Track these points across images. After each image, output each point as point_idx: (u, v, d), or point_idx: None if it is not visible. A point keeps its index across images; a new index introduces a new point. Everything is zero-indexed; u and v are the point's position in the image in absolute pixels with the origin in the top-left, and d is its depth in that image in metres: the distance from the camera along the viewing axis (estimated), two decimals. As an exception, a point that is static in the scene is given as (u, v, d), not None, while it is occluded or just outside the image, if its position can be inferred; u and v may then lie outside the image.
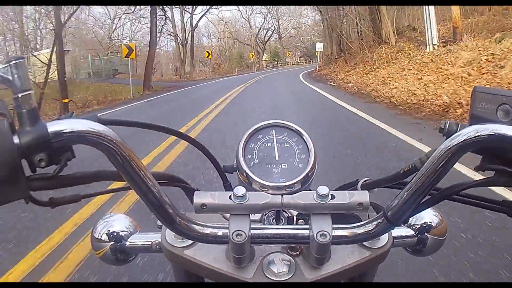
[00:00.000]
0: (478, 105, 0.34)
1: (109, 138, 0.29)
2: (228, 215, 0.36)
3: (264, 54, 71.35)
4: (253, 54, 38.72)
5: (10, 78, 0.28)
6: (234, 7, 39.87)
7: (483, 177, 0.33)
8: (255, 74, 22.50)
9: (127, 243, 0.48)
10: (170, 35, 30.18)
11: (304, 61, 65.04)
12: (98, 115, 0.33)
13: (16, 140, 0.26)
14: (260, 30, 48.85)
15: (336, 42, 16.66)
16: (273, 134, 0.41)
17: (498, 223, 1.74)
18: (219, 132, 4.33)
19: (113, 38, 28.51)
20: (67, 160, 0.29)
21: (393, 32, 10.55)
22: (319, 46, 19.01)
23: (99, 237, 0.49)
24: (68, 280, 1.46)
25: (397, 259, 1.48)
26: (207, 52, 24.22)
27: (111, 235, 0.49)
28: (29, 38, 16.46)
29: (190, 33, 26.01)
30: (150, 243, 0.48)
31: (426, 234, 0.48)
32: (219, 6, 36.85)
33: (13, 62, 0.28)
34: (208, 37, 56.81)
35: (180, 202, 0.48)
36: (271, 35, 52.37)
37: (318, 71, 16.88)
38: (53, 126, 0.28)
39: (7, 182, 0.26)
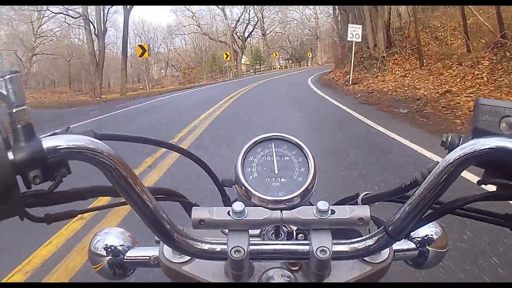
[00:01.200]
0: (481, 118, 0.38)
1: (105, 154, 0.33)
2: (226, 230, 0.40)
3: (244, 57, 70.21)
4: (227, 53, 35.78)
5: (5, 93, 0.31)
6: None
7: (486, 191, 0.37)
8: (224, 87, 17.25)
9: (125, 257, 0.54)
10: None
11: (292, 64, 64.74)
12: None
13: (10, 156, 0.29)
14: (239, 23, 47.11)
15: (383, 27, 12.08)
16: (272, 147, 0.47)
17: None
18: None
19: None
20: (63, 176, 0.33)
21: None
22: (355, 31, 11.81)
23: (97, 251, 0.55)
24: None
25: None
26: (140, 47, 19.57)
27: (109, 249, 0.55)
28: None
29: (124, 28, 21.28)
30: (148, 258, 0.54)
31: (427, 247, 0.54)
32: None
33: (8, 76, 0.31)
34: (182, 38, 54.22)
35: (178, 216, 0.58)
36: (252, 30, 50.48)
37: (356, 84, 11.00)
38: (48, 142, 0.31)
39: (1, 199, 0.29)
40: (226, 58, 34.06)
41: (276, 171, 0.46)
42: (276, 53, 49.83)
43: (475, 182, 0.37)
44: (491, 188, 0.37)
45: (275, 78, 21.02)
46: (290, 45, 71.79)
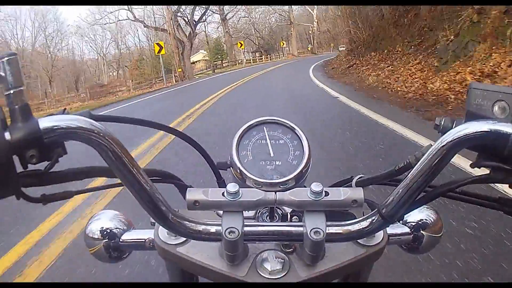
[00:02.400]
0: (474, 102, 0.45)
1: (101, 134, 0.38)
2: (221, 212, 0.46)
3: (202, 51, 68.17)
4: (161, 44, 28.89)
5: (3, 74, 0.36)
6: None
7: (479, 174, 0.43)
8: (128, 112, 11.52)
9: (121, 240, 0.63)
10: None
11: (261, 56, 63.56)
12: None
13: (7, 136, 0.35)
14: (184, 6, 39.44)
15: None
16: (264, 131, 0.55)
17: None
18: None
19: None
20: (59, 156, 0.39)
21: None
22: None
23: (92, 234, 0.63)
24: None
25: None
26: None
27: (104, 232, 0.63)
28: None
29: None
30: (144, 240, 0.62)
31: (421, 231, 0.63)
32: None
33: (6, 58, 0.36)
34: (135, 34, 53.35)
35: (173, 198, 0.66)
36: (205, 11, 45.45)
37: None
38: (45, 122, 0.36)
39: None
40: (159, 51, 28.22)
41: (272, 154, 0.54)
42: (242, 42, 48.37)
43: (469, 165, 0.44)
44: (484, 171, 0.43)
45: (244, 82, 17.08)
46: (258, 34, 71.32)
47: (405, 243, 0.64)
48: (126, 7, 38.65)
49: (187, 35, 37.78)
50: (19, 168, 0.37)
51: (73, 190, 0.46)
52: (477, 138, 0.39)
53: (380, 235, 0.54)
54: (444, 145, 0.40)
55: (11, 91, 0.36)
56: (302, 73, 17.44)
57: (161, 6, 36.39)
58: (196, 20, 41.29)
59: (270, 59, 58.78)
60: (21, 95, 0.36)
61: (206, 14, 44.84)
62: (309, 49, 79.67)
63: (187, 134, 0.63)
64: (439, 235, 0.64)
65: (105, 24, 47.35)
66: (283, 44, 58.49)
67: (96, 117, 0.47)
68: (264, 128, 0.56)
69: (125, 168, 0.40)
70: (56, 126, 0.37)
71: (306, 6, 73.02)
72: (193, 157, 3.96)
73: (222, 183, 0.68)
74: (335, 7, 26.09)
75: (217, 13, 50.63)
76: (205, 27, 53.04)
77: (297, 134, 0.56)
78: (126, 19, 42.61)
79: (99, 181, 1.63)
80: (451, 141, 0.40)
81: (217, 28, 59.30)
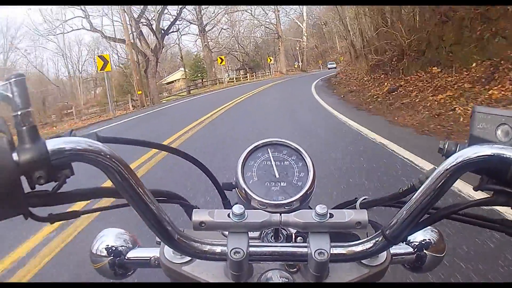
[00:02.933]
0: (478, 125, 0.47)
1: (107, 156, 0.40)
2: (226, 232, 0.49)
3: (182, 70, 59.69)
4: (105, 57, 21.79)
5: (10, 95, 0.37)
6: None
7: (482, 197, 0.45)
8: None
9: (126, 258, 0.67)
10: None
11: (246, 74, 55.69)
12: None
13: (15, 157, 0.36)
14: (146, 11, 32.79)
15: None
16: (269, 153, 0.58)
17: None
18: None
19: None
20: (66, 178, 0.40)
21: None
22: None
23: (98, 251, 0.67)
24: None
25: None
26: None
27: (110, 250, 0.67)
28: None
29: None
30: (149, 258, 0.66)
31: (424, 251, 0.66)
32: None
33: (13, 79, 0.37)
34: (113, 48, 47.43)
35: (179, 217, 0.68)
36: (175, 19, 37.14)
37: None
38: (52, 144, 0.38)
39: (6, 199, 0.36)
40: (103, 68, 20.75)
41: (277, 176, 0.56)
42: (222, 58, 42.38)
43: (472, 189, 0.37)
44: (488, 193, 0.45)
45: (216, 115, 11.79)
46: (242, 49, 63.51)
47: (408, 262, 0.66)
48: (82, 14, 30.78)
49: (152, 49, 31.48)
50: (27, 188, 0.38)
51: (80, 210, 0.48)
52: (480, 162, 0.41)
53: (383, 255, 0.56)
54: (448, 169, 0.42)
55: (19, 112, 0.37)
56: (308, 101, 13.17)
57: (118, 9, 28.06)
58: (165, 29, 35.81)
59: (256, 78, 50.72)
60: (28, 116, 0.38)
61: (178, 23, 37.80)
62: (296, 66, 75.48)
63: (193, 156, 0.65)
64: (441, 254, 0.66)
65: (58, 34, 39.50)
66: (270, 60, 50.72)
67: (103, 139, 0.49)
68: (269, 149, 0.59)
69: (131, 189, 0.42)
70: (63, 148, 0.38)
71: (295, 19, 65.91)
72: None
73: (227, 204, 0.71)
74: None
75: (194, 24, 42.64)
76: (179, 38, 44.77)
77: (302, 156, 0.58)
78: (81, 28, 36.55)
79: (105, 201, 1.47)
80: (454, 164, 0.41)
81: (195, 41, 50.89)
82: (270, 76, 54.71)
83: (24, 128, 0.38)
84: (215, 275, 0.54)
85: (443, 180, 0.42)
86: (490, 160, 0.40)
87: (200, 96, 26.98)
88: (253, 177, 0.57)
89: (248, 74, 55.84)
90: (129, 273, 0.69)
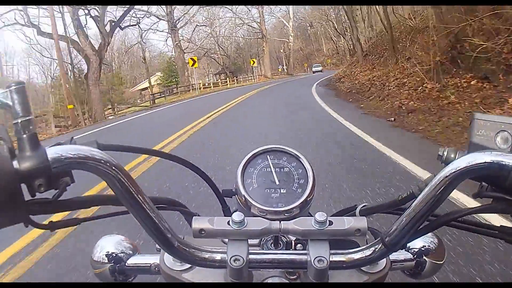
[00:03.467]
0: (477, 132, 0.48)
1: (107, 164, 0.41)
2: (226, 240, 0.50)
3: (158, 74, 51.58)
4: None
5: (10, 103, 0.38)
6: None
7: (481, 204, 0.47)
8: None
9: (126, 264, 0.69)
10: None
11: (226, 78, 47.67)
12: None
13: (15, 165, 0.37)
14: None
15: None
16: (269, 159, 0.60)
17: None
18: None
19: None
20: (66, 185, 0.42)
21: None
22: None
23: (98, 258, 0.69)
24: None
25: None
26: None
27: (110, 256, 0.69)
28: None
29: None
30: (149, 265, 0.68)
31: (424, 257, 0.67)
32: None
33: (13, 87, 0.38)
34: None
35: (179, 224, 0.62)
36: (126, 12, 29.88)
37: None
38: (53, 152, 0.39)
39: (6, 206, 0.37)
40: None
41: (277, 182, 0.58)
42: (195, 59, 34.93)
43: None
44: (487, 201, 0.47)
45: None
46: (222, 51, 55.54)
47: (408, 269, 0.67)
48: (18, 7, 23.20)
49: (95, 50, 24.83)
50: (27, 196, 0.39)
51: (80, 218, 0.49)
52: (479, 169, 0.42)
53: (383, 262, 0.57)
54: (447, 176, 0.43)
55: (19, 120, 0.38)
56: (331, 131, 7.20)
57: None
58: (117, 20, 29.59)
59: (237, 82, 42.83)
60: (29, 124, 0.39)
61: (141, 15, 29.55)
62: (280, 70, 71.48)
63: (194, 164, 0.67)
64: (441, 261, 0.68)
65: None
66: (254, 63, 43.02)
67: (103, 147, 0.50)
68: (268, 156, 0.60)
69: (131, 197, 0.44)
70: (63, 155, 0.39)
71: (280, 18, 58.72)
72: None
73: (227, 211, 0.73)
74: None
75: (163, 20, 34.73)
76: (140, 35, 36.74)
77: (301, 163, 0.59)
78: (14, 23, 28.45)
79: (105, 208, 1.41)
80: (454, 172, 0.42)
81: (166, 40, 43.07)
82: (253, 80, 47.62)
83: (25, 136, 0.39)
84: (215, 282, 0.56)
85: (442, 187, 0.43)
86: (489, 167, 0.41)
87: (159, 108, 22.18)
88: (253, 184, 0.58)
89: (228, 78, 48.27)
90: (130, 280, 0.71)
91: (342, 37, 77.64)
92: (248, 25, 56.47)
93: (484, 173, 0.42)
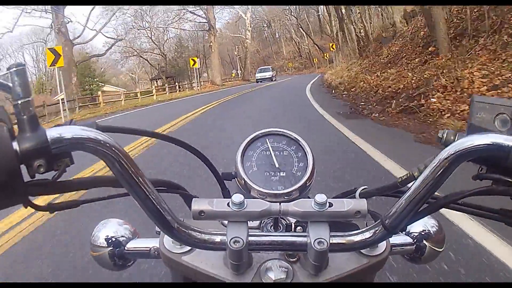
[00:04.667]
0: (476, 115, 0.49)
1: (107, 145, 0.43)
2: (226, 222, 0.53)
3: (74, 77, 36.00)
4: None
5: (10, 84, 0.40)
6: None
7: (481, 186, 0.49)
8: None
9: (125, 248, 0.70)
10: None
11: (164, 85, 43.36)
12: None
13: (15, 146, 0.39)
14: None
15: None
16: (268, 143, 0.63)
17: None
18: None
19: None
20: (66, 166, 0.44)
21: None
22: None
23: (97, 242, 0.70)
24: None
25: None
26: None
27: (110, 240, 0.70)
28: None
29: None
30: (149, 248, 0.69)
31: (424, 242, 0.69)
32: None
33: (14, 69, 0.40)
34: None
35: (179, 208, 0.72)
36: None
37: None
38: (53, 133, 0.41)
39: (5, 187, 0.38)
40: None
41: (277, 165, 0.60)
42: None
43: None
44: (486, 183, 0.49)
45: None
46: (159, 51, 39.63)
47: (408, 253, 0.70)
48: None
49: None
50: (27, 177, 0.42)
51: (79, 200, 0.51)
52: (479, 151, 0.44)
53: (383, 245, 0.60)
54: (446, 158, 0.45)
55: (19, 102, 0.40)
56: None
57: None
58: None
59: (180, 90, 26.95)
60: (29, 105, 0.41)
61: None
62: (234, 75, 60.17)
63: (193, 146, 0.69)
64: (441, 246, 0.71)
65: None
66: (194, 63, 26.90)
67: (102, 128, 0.52)
68: (267, 139, 0.62)
69: (131, 179, 0.46)
70: (63, 136, 0.41)
71: (236, 7, 44.17)
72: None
73: (227, 193, 0.76)
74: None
75: None
76: None
77: (301, 146, 0.62)
78: None
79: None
80: (453, 153, 0.45)
81: (50, 29, 27.39)
82: (197, 89, 31.68)
83: (25, 117, 0.40)
84: (214, 265, 0.58)
85: (442, 169, 0.45)
86: (488, 149, 0.44)
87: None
88: (252, 167, 0.60)
89: (166, 85, 34.03)
90: (129, 264, 0.73)
91: (307, 37, 66.18)
92: (191, 12, 41.51)
93: (483, 155, 0.45)
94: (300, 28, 71.17)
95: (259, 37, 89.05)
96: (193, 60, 34.74)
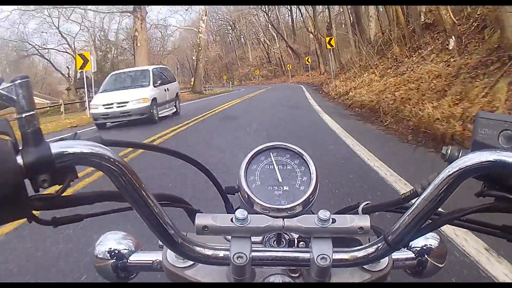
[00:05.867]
0: (480, 131, 0.50)
1: (111, 160, 0.44)
2: (229, 237, 0.55)
3: None
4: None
5: (15, 97, 0.40)
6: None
7: (484, 203, 0.50)
8: None
9: (128, 261, 0.71)
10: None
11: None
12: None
13: (19, 160, 0.40)
14: None
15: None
16: (272, 157, 0.64)
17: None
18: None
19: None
20: (70, 181, 0.45)
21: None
22: None
23: (100, 254, 0.71)
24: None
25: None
26: None
27: (113, 253, 0.70)
28: None
29: None
30: (151, 262, 0.70)
31: (426, 256, 0.69)
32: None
33: (18, 81, 0.41)
34: None
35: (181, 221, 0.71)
36: None
37: None
38: (57, 147, 0.42)
39: (9, 201, 0.39)
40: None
41: (280, 180, 0.61)
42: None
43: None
44: (489, 200, 0.50)
45: None
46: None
47: (409, 268, 0.70)
48: None
49: None
50: (31, 191, 0.43)
51: (83, 214, 0.53)
52: (482, 168, 0.45)
53: (385, 260, 0.61)
54: (450, 175, 0.46)
55: (23, 115, 0.41)
56: None
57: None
58: None
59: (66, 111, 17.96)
60: (33, 119, 0.41)
61: None
62: (192, 84, 44.11)
63: (198, 161, 0.69)
64: (443, 261, 0.71)
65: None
66: (84, 64, 10.86)
67: (107, 142, 0.52)
68: (271, 153, 0.63)
69: (135, 193, 0.47)
70: (67, 151, 0.42)
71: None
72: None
73: (230, 208, 0.76)
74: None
75: None
76: None
77: (304, 160, 0.63)
78: None
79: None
80: (457, 170, 0.46)
81: None
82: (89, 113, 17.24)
83: (29, 130, 0.41)
84: (217, 280, 0.60)
85: (445, 186, 0.46)
86: (492, 166, 0.45)
87: None
88: (256, 181, 0.61)
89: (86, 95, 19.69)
90: (131, 277, 0.75)
91: (279, 39, 54.32)
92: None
93: (487, 172, 0.46)
94: (271, 28, 60.30)
95: (222, 41, 79.13)
96: (82, 57, 17.98)
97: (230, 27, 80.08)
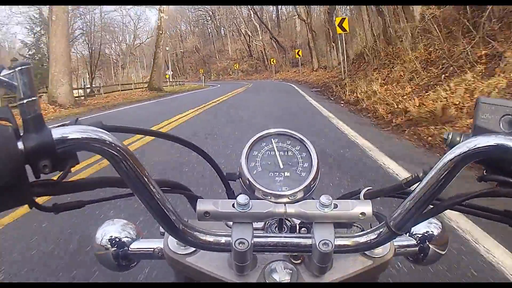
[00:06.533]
0: (482, 116, 0.52)
1: (113, 145, 0.45)
2: (231, 223, 0.57)
3: None
4: None
5: (16, 84, 0.42)
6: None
7: (485, 188, 0.52)
8: None
9: (129, 249, 0.72)
10: None
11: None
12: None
13: (20, 145, 0.41)
14: None
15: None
16: (273, 143, 0.66)
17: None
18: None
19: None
20: (71, 167, 0.46)
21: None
22: None
23: (101, 242, 0.72)
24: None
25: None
26: None
27: (113, 241, 0.71)
28: None
29: None
30: (152, 249, 0.72)
31: (427, 243, 0.70)
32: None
33: (19, 68, 0.42)
34: None
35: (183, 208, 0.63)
36: None
37: None
38: (58, 133, 0.43)
39: (10, 188, 0.40)
40: None
41: (281, 166, 0.62)
42: None
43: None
44: (491, 185, 0.52)
45: None
46: None
47: (411, 254, 0.72)
48: None
49: None
50: (32, 178, 0.44)
51: (85, 200, 0.54)
52: (484, 152, 0.46)
53: (387, 246, 0.63)
54: (452, 159, 0.47)
55: (24, 101, 0.42)
56: None
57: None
58: None
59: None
60: (34, 105, 0.42)
61: None
62: (167, 76, 40.57)
63: (198, 147, 0.70)
64: (444, 248, 0.72)
65: None
66: None
67: (108, 128, 0.53)
68: (272, 139, 0.64)
69: (137, 179, 0.48)
70: (69, 136, 0.43)
71: None
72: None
73: (231, 194, 0.78)
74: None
75: None
76: None
77: (306, 146, 0.64)
78: None
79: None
80: (458, 155, 0.46)
81: None
82: None
83: (30, 116, 0.42)
84: (219, 266, 0.61)
85: (447, 171, 0.47)
86: (494, 150, 0.45)
87: None
88: (257, 167, 0.62)
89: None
90: (133, 265, 0.75)
91: (262, 30, 47.81)
92: None
93: (488, 157, 0.46)
94: (253, 18, 53.65)
95: (200, 32, 72.36)
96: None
97: (209, 17, 77.35)
